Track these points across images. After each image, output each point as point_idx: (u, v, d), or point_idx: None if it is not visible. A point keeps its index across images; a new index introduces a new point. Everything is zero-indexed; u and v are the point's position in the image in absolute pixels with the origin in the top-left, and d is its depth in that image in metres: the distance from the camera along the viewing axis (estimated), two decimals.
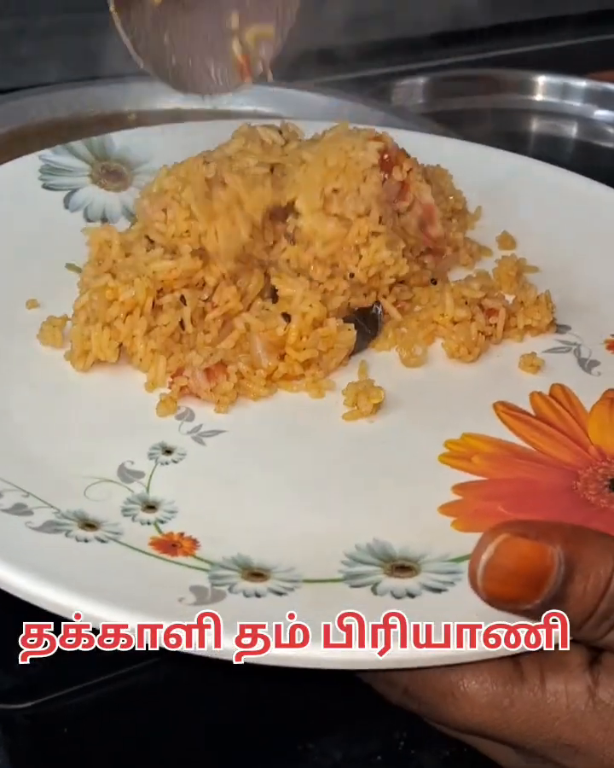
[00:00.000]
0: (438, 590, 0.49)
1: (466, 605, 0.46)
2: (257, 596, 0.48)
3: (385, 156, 0.68)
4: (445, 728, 0.49)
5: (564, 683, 0.46)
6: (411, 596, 0.48)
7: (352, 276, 0.66)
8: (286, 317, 0.64)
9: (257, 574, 0.50)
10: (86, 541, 0.50)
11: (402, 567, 0.51)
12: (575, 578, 0.42)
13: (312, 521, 0.54)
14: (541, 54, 1.36)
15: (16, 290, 0.69)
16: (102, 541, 0.51)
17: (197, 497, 0.55)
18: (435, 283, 0.71)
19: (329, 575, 0.50)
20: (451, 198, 0.79)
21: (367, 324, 0.67)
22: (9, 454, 0.56)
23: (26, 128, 1.02)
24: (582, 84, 1.28)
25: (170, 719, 0.63)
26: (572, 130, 1.28)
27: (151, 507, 0.54)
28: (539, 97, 1.29)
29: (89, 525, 0.52)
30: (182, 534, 0.52)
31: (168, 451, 0.58)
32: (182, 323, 0.64)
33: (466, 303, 0.68)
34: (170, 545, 0.51)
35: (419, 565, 0.51)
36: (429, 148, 0.85)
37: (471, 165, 0.85)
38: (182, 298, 0.64)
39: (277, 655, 0.44)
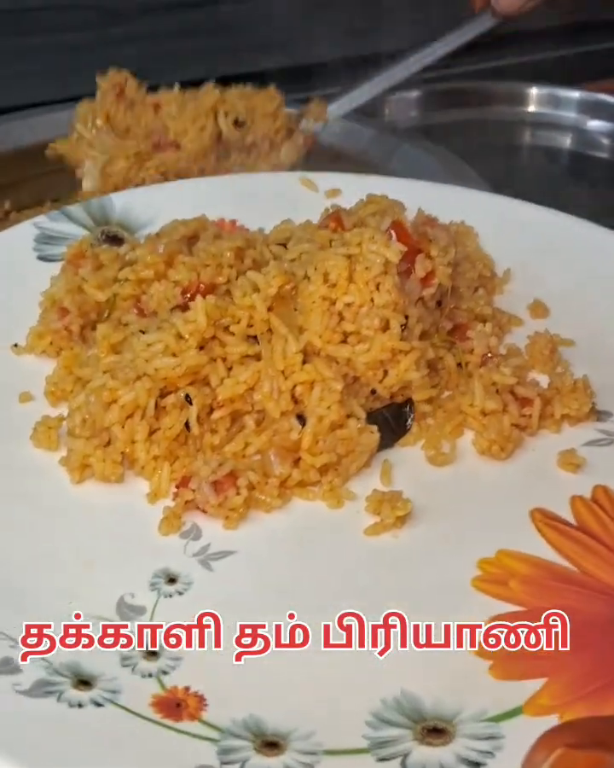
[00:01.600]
0: (476, 765, 0.43)
1: None
2: None
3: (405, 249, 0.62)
4: None
5: None
6: None
7: (374, 392, 0.61)
8: (301, 419, 0.58)
9: (271, 744, 0.44)
10: (80, 706, 0.45)
11: (435, 729, 0.45)
12: None
13: (332, 668, 0.48)
14: (534, 65, 1.33)
15: (9, 380, 0.64)
16: (99, 704, 0.45)
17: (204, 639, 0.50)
18: (461, 367, 0.65)
19: (353, 743, 0.44)
20: (479, 263, 0.73)
21: (395, 422, 0.61)
22: None
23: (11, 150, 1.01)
24: (574, 94, 1.26)
25: None
26: (566, 141, 1.27)
27: (153, 653, 0.49)
28: (532, 109, 1.28)
29: (84, 682, 0.47)
30: (186, 689, 0.47)
31: (172, 579, 0.53)
32: (187, 425, 0.59)
33: (497, 391, 0.62)
34: (175, 706, 0.46)
35: (453, 726, 0.45)
36: (453, 201, 0.80)
37: (494, 219, 0.79)
38: (187, 397, 0.59)
39: None
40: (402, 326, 0.61)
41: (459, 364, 0.65)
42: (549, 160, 1.27)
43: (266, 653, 0.49)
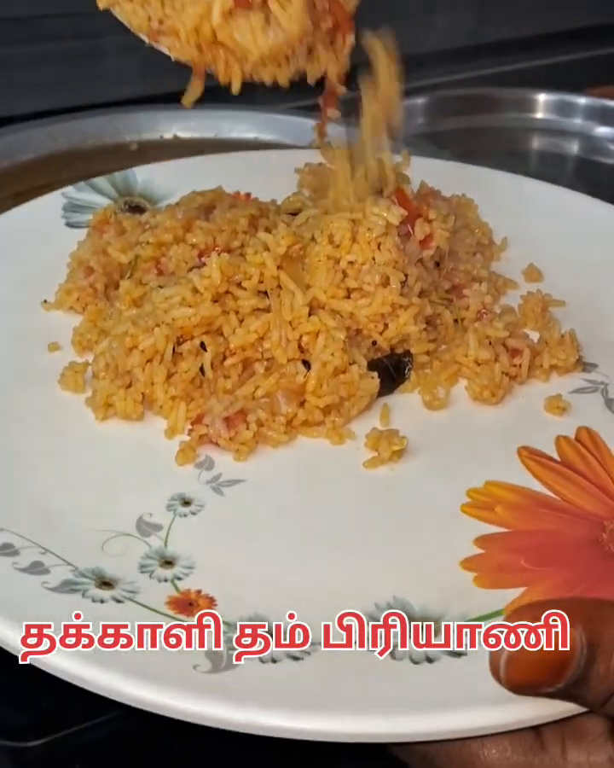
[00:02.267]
0: (458, 654, 0.48)
1: (485, 669, 0.45)
2: (274, 661, 0.47)
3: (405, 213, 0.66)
4: None
5: (587, 753, 0.45)
6: (430, 660, 0.47)
7: (374, 343, 0.66)
8: (307, 365, 0.63)
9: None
10: (102, 602, 0.50)
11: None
12: (597, 658, 0.41)
13: (330, 577, 0.53)
14: (539, 70, 1.36)
15: (38, 333, 0.70)
16: (119, 601, 0.51)
17: (214, 551, 0.55)
18: (458, 323, 0.70)
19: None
20: (477, 231, 0.77)
21: (395, 370, 0.66)
22: (29, 508, 0.56)
23: (28, 160, 1.02)
24: (581, 101, 1.28)
25: (182, 755, 0.62)
26: (573, 148, 1.28)
27: (168, 562, 0.54)
28: (539, 115, 1.29)
29: (107, 583, 0.52)
30: (198, 592, 0.52)
31: (187, 502, 0.58)
32: (201, 369, 0.64)
33: (490, 343, 0.67)
34: (187, 604, 0.51)
35: (438, 625, 0.50)
36: (453, 175, 0.85)
37: (496, 193, 0.84)
38: (202, 344, 0.64)
39: (290, 729, 0.43)
40: (401, 283, 0.66)
41: (455, 320, 0.70)
42: (556, 165, 1.28)
43: (270, 561, 0.54)
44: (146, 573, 0.53)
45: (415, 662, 0.47)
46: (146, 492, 0.58)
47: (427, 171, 0.81)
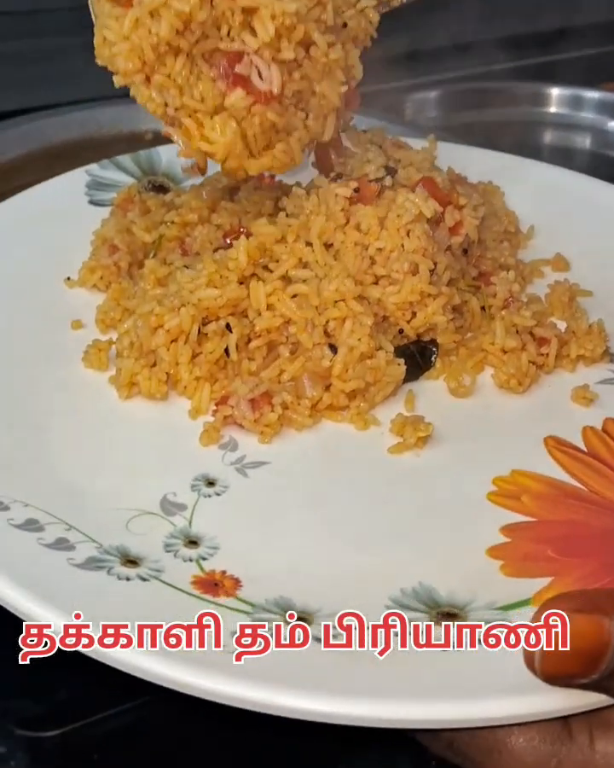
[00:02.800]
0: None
1: (516, 657, 0.45)
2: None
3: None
4: None
5: None
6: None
7: (401, 330, 0.65)
8: (333, 349, 0.63)
9: (300, 618, 0.49)
10: (128, 579, 0.50)
11: (448, 613, 0.50)
12: None
13: (356, 561, 0.53)
14: (553, 65, 1.35)
15: (62, 310, 0.69)
16: (144, 579, 0.50)
17: (239, 532, 0.54)
18: (484, 310, 0.69)
19: (373, 621, 0.49)
20: (505, 220, 0.77)
21: (421, 357, 0.66)
22: (54, 485, 0.55)
23: (42, 149, 1.02)
24: (594, 95, 1.28)
25: (199, 744, 0.62)
26: (585, 142, 1.28)
27: (193, 542, 0.53)
28: (552, 109, 1.29)
29: (131, 561, 0.51)
30: (223, 572, 0.52)
31: (211, 483, 0.57)
32: (226, 351, 0.63)
33: (517, 332, 0.66)
34: (212, 585, 0.51)
35: (465, 612, 0.50)
36: (480, 162, 0.84)
37: (522, 180, 0.84)
38: (228, 325, 0.63)
39: (317, 712, 0.43)
40: (430, 271, 0.65)
41: (482, 308, 0.69)
42: (569, 159, 1.27)
43: (297, 545, 0.53)
44: (171, 552, 0.53)
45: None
46: (170, 472, 0.58)
47: (453, 158, 0.80)
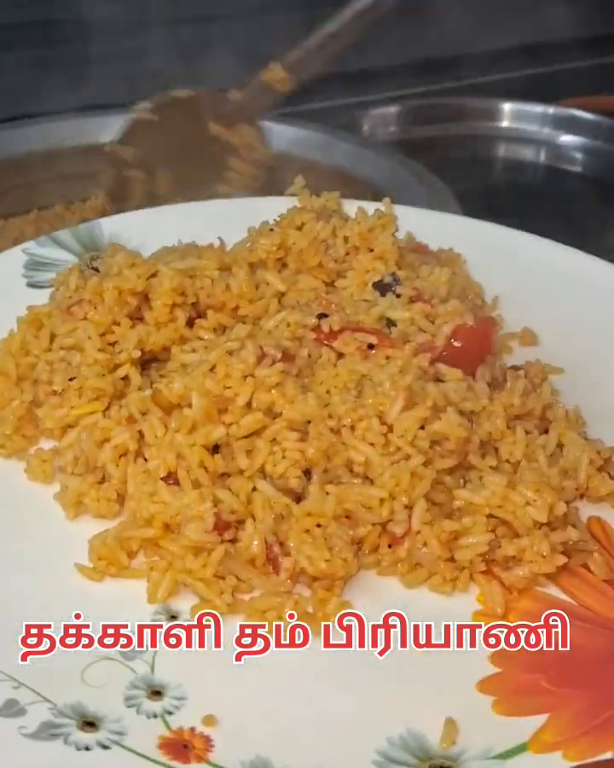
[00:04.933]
0: None
1: None
2: None
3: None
4: None
5: None
6: None
7: None
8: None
9: None
10: (87, 749, 0.45)
11: (442, 767, 0.46)
12: None
13: (336, 705, 0.48)
14: (512, 82, 1.37)
15: None
16: (105, 747, 0.45)
17: (207, 677, 0.49)
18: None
19: None
20: (470, 292, 0.73)
21: None
22: None
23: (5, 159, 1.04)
24: (547, 110, 1.30)
25: None
26: (539, 155, 1.31)
27: (157, 693, 0.48)
28: (505, 124, 1.32)
29: (90, 723, 0.46)
30: (192, 730, 0.47)
31: (173, 617, 0.52)
32: None
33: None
34: (182, 747, 0.46)
35: (459, 764, 0.46)
36: (436, 227, 0.80)
37: (481, 245, 0.80)
38: None
39: None
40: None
41: None
42: (522, 173, 1.32)
43: (270, 689, 0.49)
44: (132, 707, 0.48)
45: None
46: (126, 605, 0.53)
47: (412, 223, 0.77)
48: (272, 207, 0.79)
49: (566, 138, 1.30)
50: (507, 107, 1.31)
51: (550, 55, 1.39)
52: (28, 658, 0.48)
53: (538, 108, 1.30)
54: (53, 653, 0.49)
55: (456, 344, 0.64)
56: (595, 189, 1.24)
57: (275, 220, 0.73)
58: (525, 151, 1.31)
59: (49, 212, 1.05)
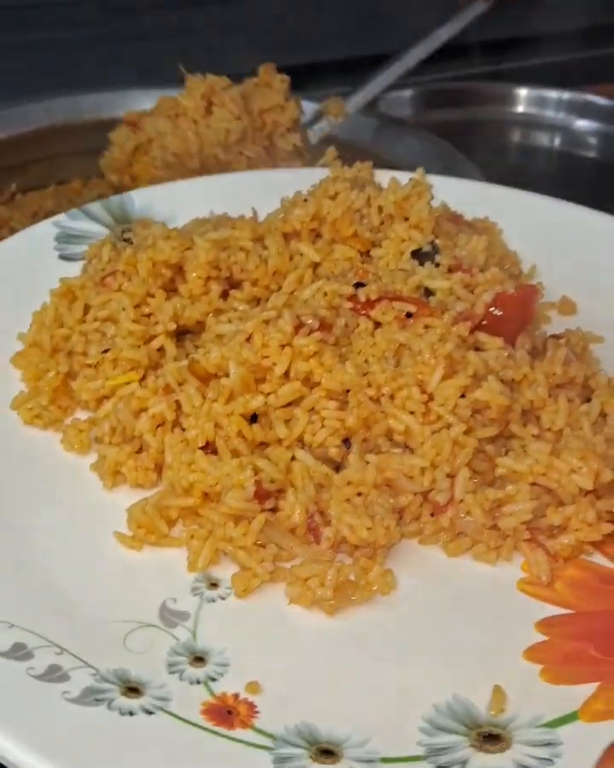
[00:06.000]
0: None
1: None
2: None
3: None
4: None
5: None
6: None
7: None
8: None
9: (327, 751, 0.44)
10: (131, 714, 0.44)
11: (490, 735, 0.45)
12: None
13: (380, 673, 0.48)
14: (529, 70, 1.37)
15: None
16: (149, 712, 0.45)
17: (250, 644, 0.49)
18: None
19: (409, 750, 0.44)
20: (507, 262, 0.72)
21: None
22: (38, 598, 0.50)
23: (26, 133, 1.04)
24: (562, 95, 1.29)
25: None
26: (554, 141, 1.30)
27: (200, 659, 0.48)
28: (521, 109, 1.31)
29: (133, 689, 0.46)
30: (236, 696, 0.46)
31: (214, 584, 0.52)
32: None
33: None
34: (226, 713, 0.45)
35: (509, 732, 0.45)
36: (470, 196, 0.79)
37: (516, 213, 0.79)
38: None
39: None
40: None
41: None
42: (537, 158, 1.30)
43: (314, 657, 0.48)
44: (175, 673, 0.47)
45: None
46: (167, 573, 0.52)
47: (446, 192, 0.75)
48: (304, 179, 0.78)
49: (581, 123, 1.28)
50: (523, 92, 1.30)
51: (568, 42, 1.37)
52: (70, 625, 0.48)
53: (552, 94, 1.29)
54: (94, 620, 0.49)
55: (496, 312, 0.63)
56: (611, 174, 1.23)
57: (308, 190, 0.72)
58: (540, 136, 1.30)
59: (66, 187, 1.05)
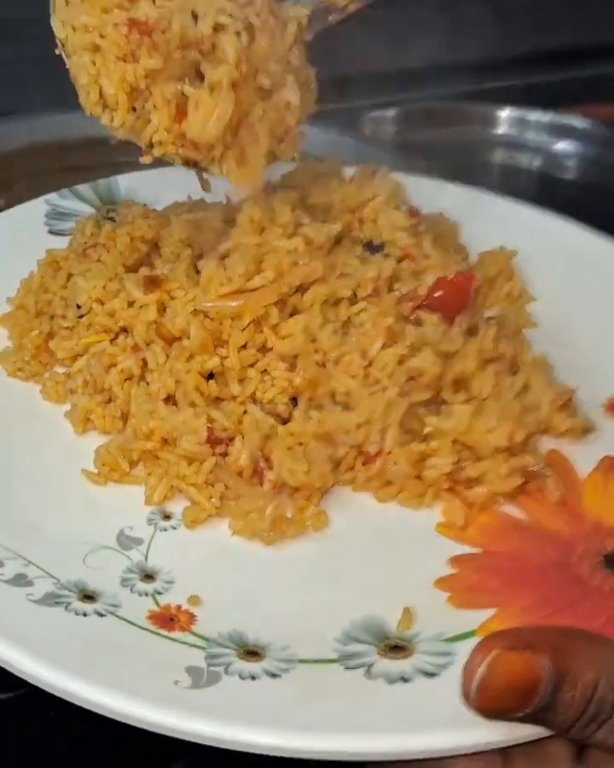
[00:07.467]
0: (431, 675, 0.49)
1: (457, 691, 0.46)
2: (253, 678, 0.48)
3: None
4: None
5: None
6: (404, 680, 0.49)
7: None
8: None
9: (252, 652, 0.50)
10: (85, 615, 0.51)
11: (396, 647, 0.52)
12: (563, 686, 0.43)
13: (308, 594, 0.55)
14: (511, 90, 1.39)
15: None
16: (101, 614, 0.51)
17: (195, 566, 0.56)
18: None
19: (323, 654, 0.51)
20: (457, 256, 0.79)
21: None
22: (11, 520, 0.57)
23: (11, 151, 1.05)
24: (542, 117, 1.32)
25: None
26: (534, 162, 1.33)
27: (149, 576, 0.55)
28: (501, 130, 1.34)
29: (88, 596, 0.53)
30: (178, 607, 0.53)
31: (167, 517, 0.59)
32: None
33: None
34: (168, 619, 0.52)
35: (413, 644, 0.52)
36: (430, 192, 0.85)
37: (469, 211, 0.85)
38: None
39: (271, 746, 0.45)
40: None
41: None
42: (516, 179, 1.33)
43: (251, 579, 0.55)
44: (127, 586, 0.54)
45: (390, 682, 0.49)
46: (127, 506, 0.59)
47: (412, 189, 0.82)
48: (279, 171, 0.85)
49: (561, 145, 1.31)
50: (505, 113, 1.33)
51: (549, 63, 1.41)
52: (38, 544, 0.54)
53: (533, 116, 1.32)
54: (59, 541, 0.56)
55: (437, 295, 0.70)
56: (591, 197, 1.26)
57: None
58: (519, 157, 1.33)
59: None
